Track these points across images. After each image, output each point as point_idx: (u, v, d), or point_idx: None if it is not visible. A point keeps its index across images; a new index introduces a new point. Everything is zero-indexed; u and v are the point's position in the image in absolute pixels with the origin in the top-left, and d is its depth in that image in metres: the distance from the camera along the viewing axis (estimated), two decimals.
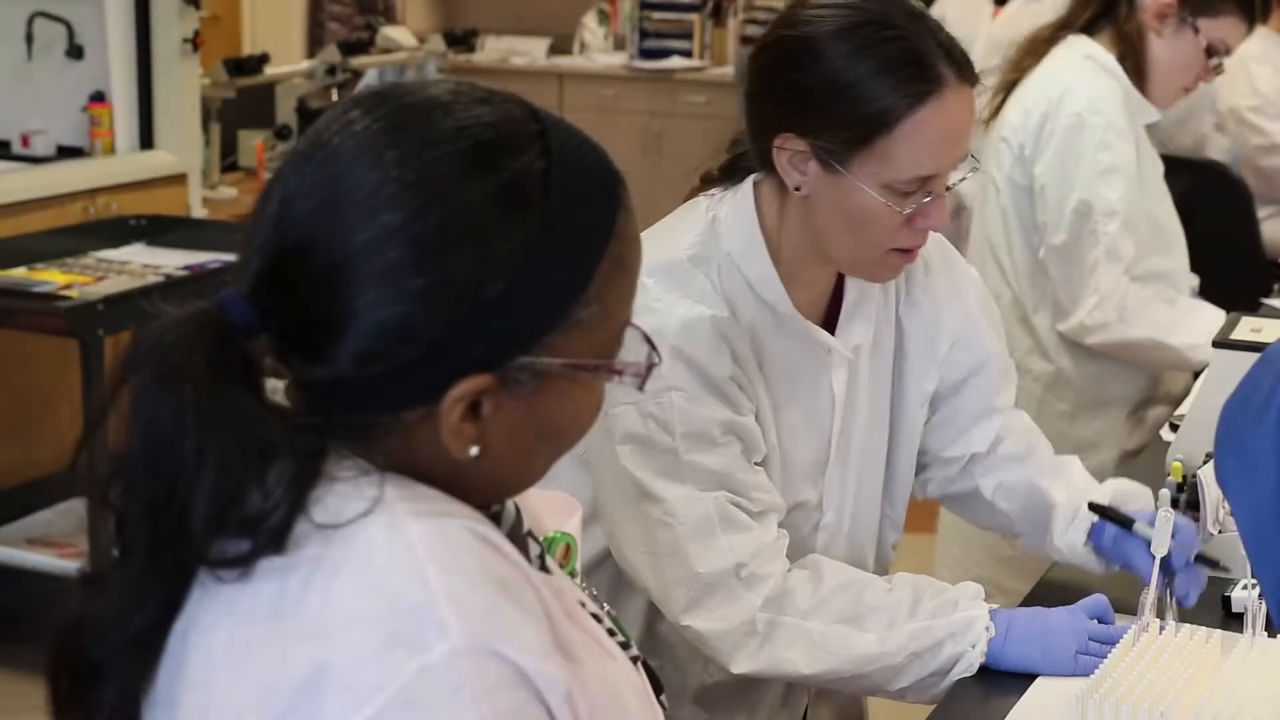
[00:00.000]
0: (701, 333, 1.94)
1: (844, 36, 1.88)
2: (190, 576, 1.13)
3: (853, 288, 2.07)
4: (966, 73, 1.90)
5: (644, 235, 2.02)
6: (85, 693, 1.16)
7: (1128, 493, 2.22)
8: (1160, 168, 3.36)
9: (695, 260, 1.97)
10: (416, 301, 1.10)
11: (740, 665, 1.98)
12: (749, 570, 1.96)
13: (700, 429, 1.94)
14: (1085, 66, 3.19)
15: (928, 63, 1.87)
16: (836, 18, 1.89)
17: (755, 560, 1.96)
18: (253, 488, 1.09)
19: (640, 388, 1.20)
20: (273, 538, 1.09)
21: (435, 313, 1.10)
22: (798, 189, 1.93)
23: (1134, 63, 3.18)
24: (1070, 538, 2.18)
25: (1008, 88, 3.32)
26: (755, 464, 2.01)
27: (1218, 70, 3.21)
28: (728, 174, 2.04)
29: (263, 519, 1.09)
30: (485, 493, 1.18)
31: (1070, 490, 2.20)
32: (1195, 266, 3.63)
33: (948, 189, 1.93)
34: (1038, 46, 3.29)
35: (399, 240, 1.09)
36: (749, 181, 2.01)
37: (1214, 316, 3.23)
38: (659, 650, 2.06)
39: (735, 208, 2.00)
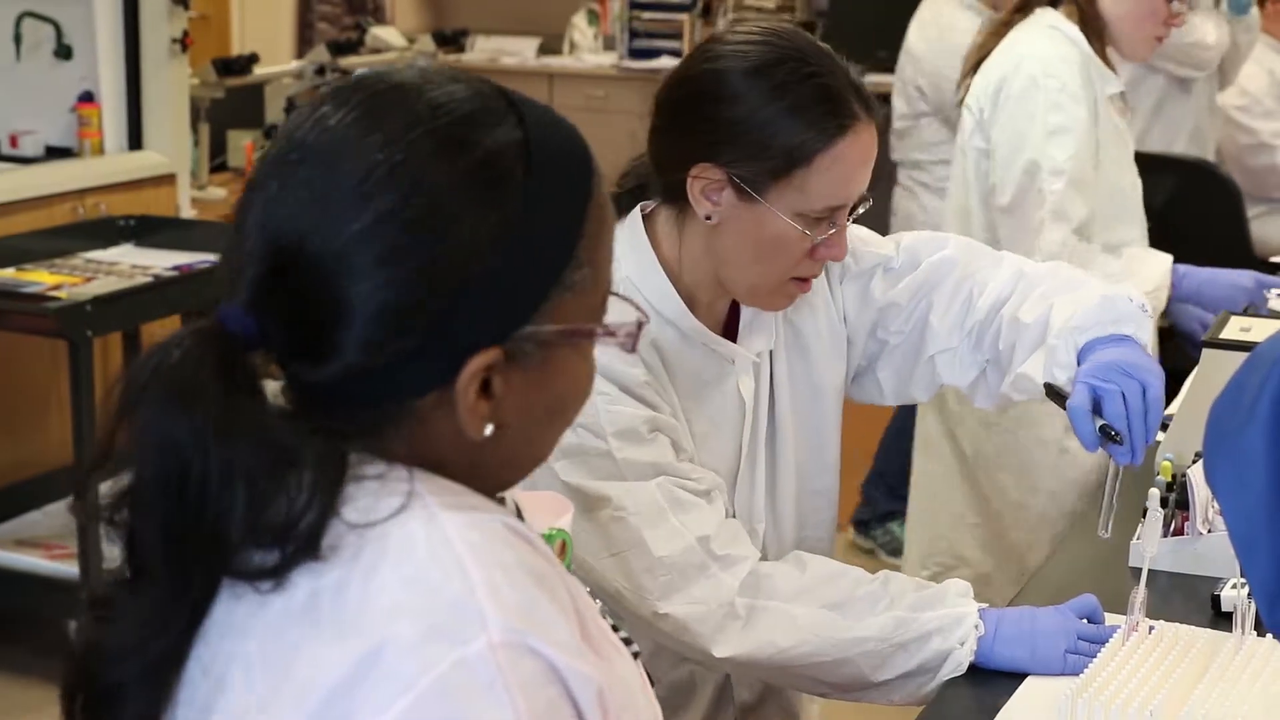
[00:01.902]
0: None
1: (765, 72, 1.96)
2: (216, 591, 1.12)
3: None
4: (872, 109, 2.00)
5: None
6: (101, 716, 1.15)
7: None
8: (1130, 142, 3.37)
9: None
10: (422, 278, 1.11)
11: (723, 649, 1.99)
12: (719, 548, 1.99)
13: (628, 426, 1.99)
14: (1046, 34, 3.22)
15: (843, 99, 1.97)
16: (755, 54, 1.98)
17: (719, 536, 2.00)
18: (281, 495, 1.09)
19: (633, 348, 1.22)
20: (307, 543, 1.09)
21: (441, 286, 1.11)
22: (709, 218, 1.99)
23: (1095, 28, 3.21)
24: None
25: (976, 65, 3.33)
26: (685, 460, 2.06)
27: (1181, 13, 3.22)
28: (616, 207, 2.08)
29: (294, 525, 1.08)
30: (499, 475, 1.19)
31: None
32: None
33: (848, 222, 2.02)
34: (1002, 28, 3.32)
35: (396, 221, 1.11)
36: (636, 212, 2.08)
37: (1161, 262, 3.26)
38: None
39: (628, 235, 2.06)
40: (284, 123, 1.17)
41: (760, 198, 1.96)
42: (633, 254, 2.05)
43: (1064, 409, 2.03)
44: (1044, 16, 3.24)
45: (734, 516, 2.13)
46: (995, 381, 2.20)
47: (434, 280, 1.11)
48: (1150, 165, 4.63)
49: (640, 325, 1.22)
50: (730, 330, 2.13)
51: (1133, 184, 3.37)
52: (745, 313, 2.12)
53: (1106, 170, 3.24)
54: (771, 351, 2.15)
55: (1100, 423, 1.97)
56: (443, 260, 1.11)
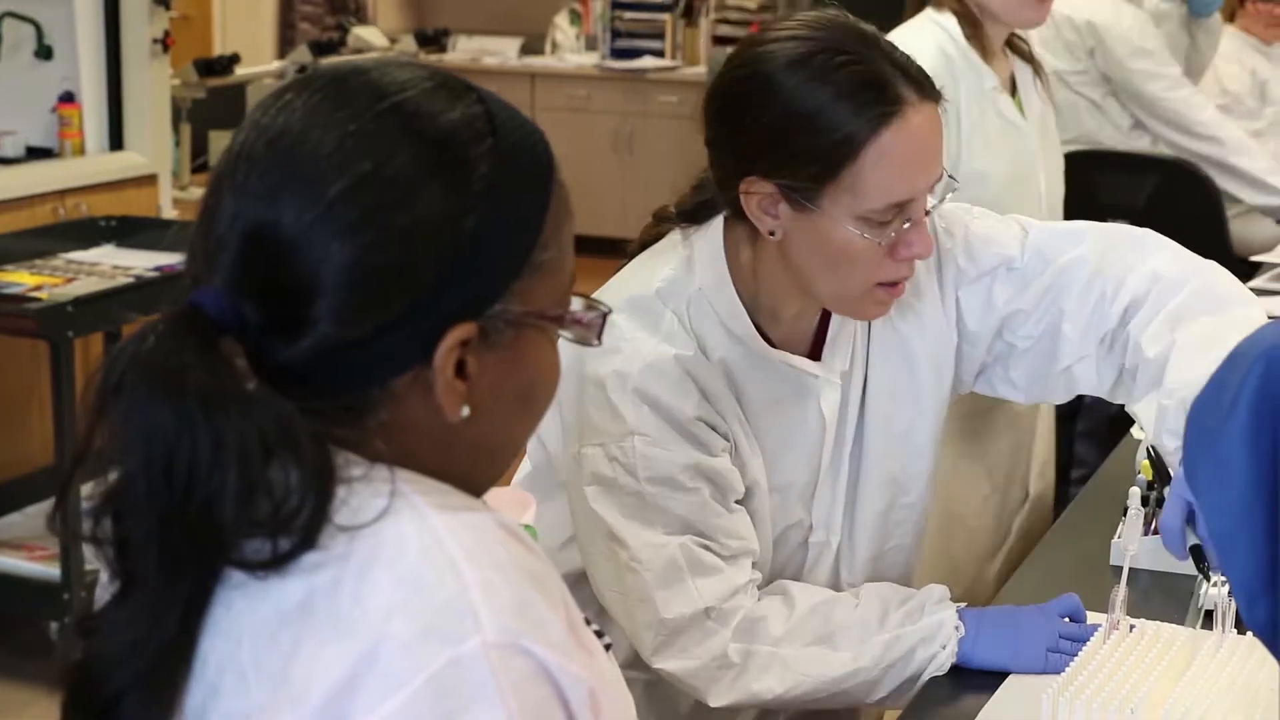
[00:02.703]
0: (666, 373, 1.91)
1: (796, 69, 1.83)
2: (209, 591, 1.10)
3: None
4: (927, 90, 1.86)
5: (622, 270, 2.01)
6: None
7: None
8: (1029, 134, 3.18)
9: (663, 295, 1.94)
10: (396, 243, 1.11)
11: (718, 699, 1.96)
12: (717, 612, 1.94)
13: (665, 473, 1.91)
14: (919, 27, 3.12)
15: (885, 83, 1.82)
16: (787, 51, 1.84)
17: (725, 603, 1.94)
18: (274, 474, 1.08)
19: (598, 338, 1.21)
20: (305, 535, 1.08)
21: (416, 253, 1.11)
22: (771, 233, 1.88)
23: (969, 16, 3.08)
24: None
25: None
26: (735, 504, 1.98)
27: None
28: (691, 216, 2.00)
29: (293, 517, 1.08)
30: (473, 467, 1.19)
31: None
32: None
33: (927, 214, 1.89)
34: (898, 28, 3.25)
35: (373, 185, 1.11)
36: (719, 219, 1.97)
37: None
38: (655, 671, 2.03)
39: (707, 244, 1.97)
40: (248, 115, 1.18)
41: (815, 206, 1.83)
42: (710, 266, 1.95)
43: (1166, 473, 1.93)
44: (926, 12, 3.15)
45: (810, 528, 2.06)
46: (1132, 389, 2.02)
47: (409, 246, 1.11)
48: (1131, 165, 4.65)
49: (605, 317, 1.22)
50: (819, 344, 2.02)
51: (1031, 175, 3.18)
52: (832, 327, 2.01)
53: (997, 163, 3.11)
54: (869, 359, 2.04)
55: (1193, 542, 1.81)
56: (417, 226, 1.11)
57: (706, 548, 1.94)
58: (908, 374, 2.06)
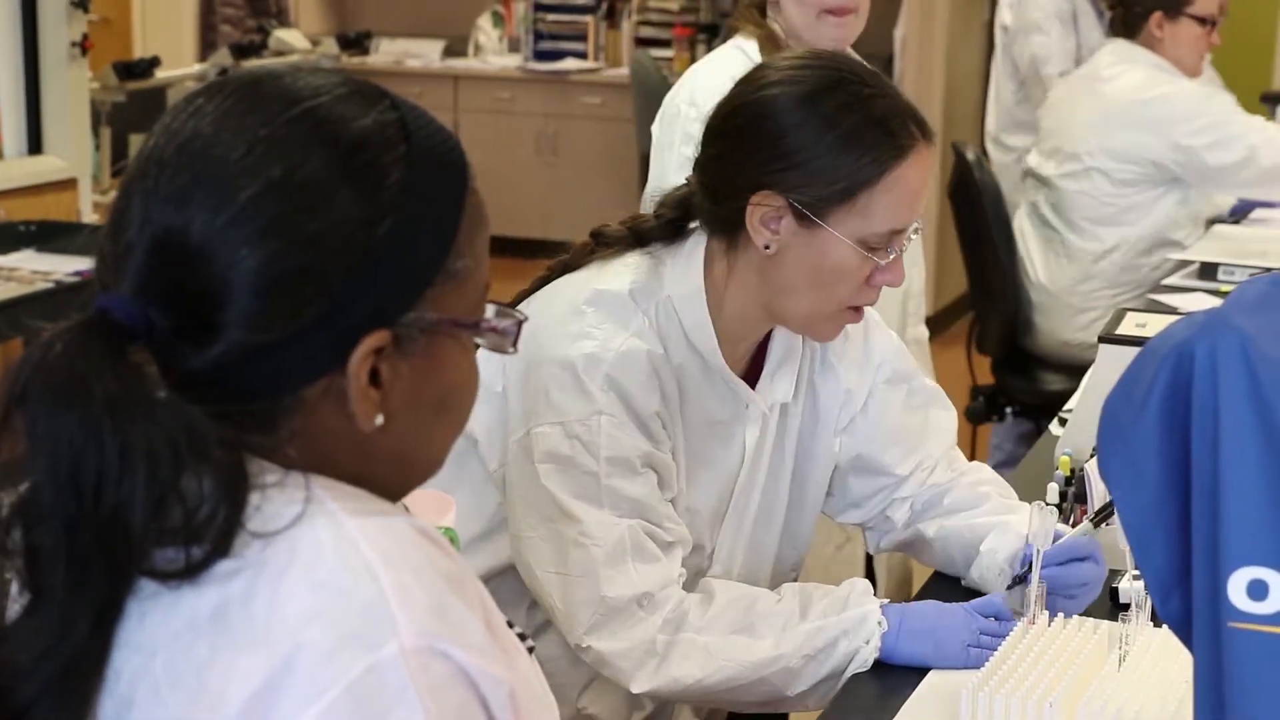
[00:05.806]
0: (637, 366, 1.99)
1: (825, 95, 1.96)
2: (120, 601, 1.10)
3: (778, 347, 2.14)
4: (927, 132, 2.01)
5: (580, 272, 2.07)
6: None
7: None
8: None
9: (636, 295, 2.03)
10: (307, 250, 1.11)
11: (640, 685, 1.99)
12: (648, 599, 1.99)
13: (623, 455, 1.98)
14: (724, 56, 2.99)
15: (905, 118, 1.98)
16: (810, 78, 1.98)
17: (658, 592, 2.00)
18: (185, 481, 1.07)
19: (513, 346, 1.22)
20: (218, 542, 1.07)
21: (332, 257, 1.11)
22: (767, 247, 1.98)
23: (771, 38, 2.94)
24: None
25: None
26: (668, 500, 2.06)
27: None
28: (651, 236, 2.08)
29: (206, 524, 1.07)
30: (391, 475, 1.19)
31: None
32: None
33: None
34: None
35: (281, 192, 1.11)
36: (699, 238, 2.06)
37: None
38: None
39: (683, 255, 2.06)
40: (159, 120, 1.17)
41: (823, 223, 1.96)
42: (683, 277, 2.05)
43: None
44: (733, 40, 3.04)
45: (711, 553, 2.15)
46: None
47: (319, 252, 1.11)
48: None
49: (520, 325, 1.22)
50: (751, 376, 2.14)
51: None
52: (770, 360, 2.14)
53: None
54: (789, 405, 2.17)
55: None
56: (327, 232, 1.11)
57: (651, 534, 2.00)
58: (812, 426, 2.20)
